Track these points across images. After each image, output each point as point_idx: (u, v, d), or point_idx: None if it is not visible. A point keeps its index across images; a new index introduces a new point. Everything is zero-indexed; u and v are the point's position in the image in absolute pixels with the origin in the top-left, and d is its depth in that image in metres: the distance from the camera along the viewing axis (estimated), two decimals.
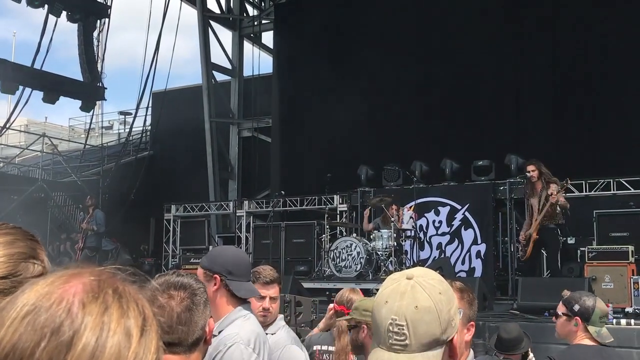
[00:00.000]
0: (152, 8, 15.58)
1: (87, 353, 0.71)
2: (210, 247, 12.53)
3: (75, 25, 12.77)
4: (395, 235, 9.97)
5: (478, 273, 10.76)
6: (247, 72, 18.02)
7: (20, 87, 12.01)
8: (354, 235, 10.61)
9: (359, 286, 9.04)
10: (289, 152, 15.74)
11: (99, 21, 13.48)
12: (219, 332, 2.40)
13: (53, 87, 12.15)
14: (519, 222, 9.99)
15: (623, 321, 7.03)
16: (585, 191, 10.63)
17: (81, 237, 12.47)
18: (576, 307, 3.16)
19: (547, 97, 12.80)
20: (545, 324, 6.49)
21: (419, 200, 10.80)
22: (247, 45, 18.49)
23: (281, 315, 3.24)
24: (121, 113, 27.66)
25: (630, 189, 10.32)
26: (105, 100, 14.71)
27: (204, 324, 1.78)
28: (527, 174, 8.79)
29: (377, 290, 1.32)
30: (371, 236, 10.22)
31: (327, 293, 9.96)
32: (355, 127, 14.11)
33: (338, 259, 10.13)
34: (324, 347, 3.66)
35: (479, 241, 10.99)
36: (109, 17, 13.95)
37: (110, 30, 14.50)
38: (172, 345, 1.70)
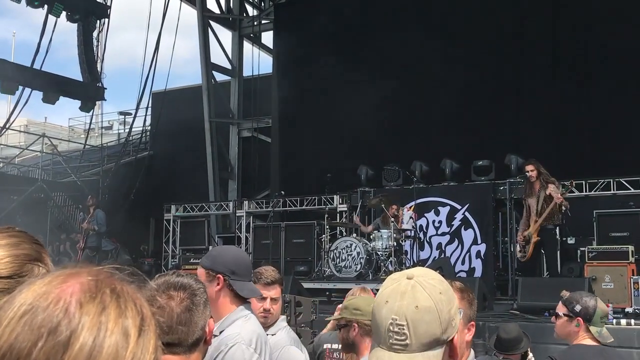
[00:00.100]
0: (152, 8, 15.58)
1: (84, 353, 0.71)
2: (210, 247, 12.53)
3: (75, 25, 12.77)
4: (395, 235, 9.97)
5: (478, 273, 10.76)
6: (247, 72, 18.04)
7: (20, 87, 12.01)
8: (354, 235, 10.62)
9: (359, 286, 9.06)
10: (288, 152, 15.74)
11: (98, 21, 13.48)
12: (220, 332, 2.40)
13: (53, 87, 12.15)
14: (519, 222, 9.99)
15: (623, 321, 7.03)
16: (585, 191, 10.63)
17: (82, 237, 12.47)
18: (577, 308, 3.16)
19: (547, 97, 12.80)
20: (545, 324, 6.49)
21: (418, 201, 10.80)
22: (247, 46, 18.50)
23: (283, 317, 3.24)
24: (121, 113, 27.67)
25: (630, 189, 10.33)
26: (105, 100, 14.74)
27: (203, 324, 1.78)
28: (527, 173, 8.82)
29: (377, 290, 1.32)
30: (371, 236, 10.22)
31: (327, 293, 9.98)
32: (355, 127, 14.10)
33: (338, 259, 10.13)
34: (334, 346, 3.66)
35: (479, 241, 10.99)
36: (108, 17, 13.96)
37: (110, 30, 14.53)
38: (172, 345, 1.70)
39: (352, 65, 14.04)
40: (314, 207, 12.86)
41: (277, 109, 16.32)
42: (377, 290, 1.30)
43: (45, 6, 11.94)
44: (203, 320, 1.78)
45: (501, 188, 10.74)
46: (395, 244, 9.95)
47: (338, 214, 12.62)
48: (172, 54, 18.65)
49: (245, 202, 14.52)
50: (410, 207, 10.33)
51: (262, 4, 18.66)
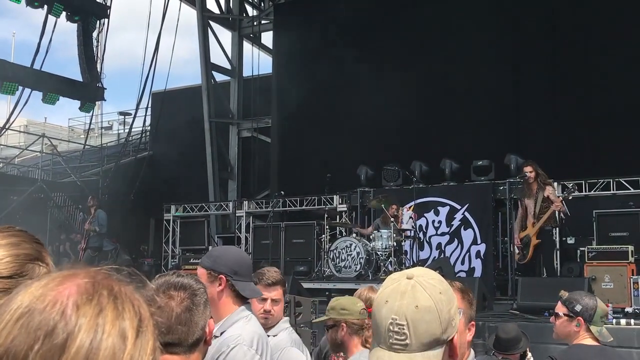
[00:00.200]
0: (152, 8, 15.56)
1: (81, 355, 0.70)
2: (210, 248, 12.52)
3: (75, 26, 12.76)
4: (395, 235, 9.97)
5: (478, 273, 10.76)
6: (246, 72, 18.04)
7: (20, 88, 12.00)
8: (354, 235, 10.61)
9: (359, 286, 9.06)
10: (288, 152, 15.74)
11: (98, 21, 13.47)
12: (221, 333, 2.40)
13: (52, 87, 12.14)
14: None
15: (623, 321, 7.03)
16: (585, 191, 10.63)
17: (84, 238, 12.47)
18: (578, 307, 3.15)
19: (547, 96, 12.80)
20: (544, 324, 6.49)
21: (418, 201, 10.80)
22: (247, 46, 18.50)
23: (286, 318, 3.22)
24: (121, 113, 27.66)
25: (630, 189, 10.33)
26: (105, 100, 14.76)
27: (204, 325, 1.78)
28: (525, 174, 8.83)
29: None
30: (371, 236, 10.22)
31: (327, 293, 9.96)
32: (355, 127, 14.11)
33: (338, 259, 10.13)
34: None
35: (479, 241, 10.99)
36: (108, 18, 13.95)
37: (109, 31, 14.52)
38: (172, 345, 1.70)
39: (351, 65, 14.03)
40: (314, 207, 12.86)
41: (276, 109, 16.32)
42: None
43: (45, 6, 11.93)
44: (203, 320, 1.78)
45: (501, 188, 10.73)
46: (395, 244, 9.95)
47: (338, 214, 12.62)
48: (172, 54, 18.68)
49: (245, 202, 14.52)
50: (410, 207, 10.33)
51: (262, 4, 18.66)
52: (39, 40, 12.67)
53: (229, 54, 18.24)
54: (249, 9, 18.81)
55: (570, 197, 8.90)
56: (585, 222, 10.10)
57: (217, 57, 17.84)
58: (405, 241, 10.39)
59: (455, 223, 11.22)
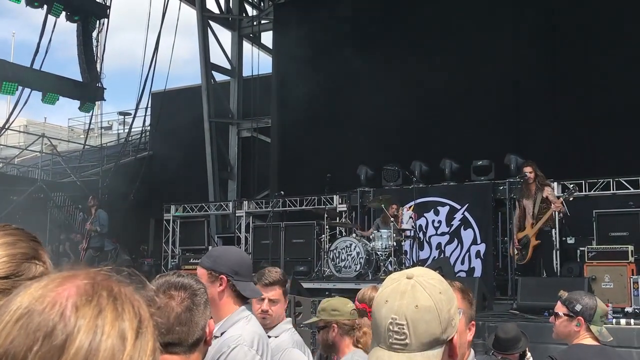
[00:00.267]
0: (152, 8, 15.55)
1: (80, 356, 0.70)
2: (210, 248, 12.52)
3: (75, 26, 12.75)
4: (394, 235, 9.97)
5: (478, 273, 10.76)
6: (246, 72, 18.04)
7: (20, 88, 11.99)
8: (354, 235, 10.61)
9: (359, 286, 9.06)
10: (288, 152, 15.74)
11: (98, 21, 13.47)
12: (221, 334, 2.40)
13: (52, 87, 12.13)
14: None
15: (623, 321, 7.03)
16: (585, 191, 10.63)
17: (85, 238, 12.49)
18: (578, 307, 3.15)
19: (546, 96, 12.81)
20: (544, 323, 6.49)
21: (418, 200, 10.80)
22: (247, 46, 18.50)
23: (289, 319, 3.19)
24: (120, 113, 27.67)
25: (629, 189, 10.33)
26: (105, 100, 14.71)
27: (204, 325, 1.78)
28: (525, 175, 8.84)
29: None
30: (371, 236, 10.22)
31: (327, 293, 9.96)
32: (355, 127, 14.11)
33: (338, 259, 10.13)
34: None
35: (479, 241, 10.99)
36: (108, 17, 13.94)
37: (109, 31, 14.50)
38: (172, 345, 1.70)
39: (351, 65, 14.03)
40: (314, 207, 12.86)
41: (276, 109, 16.32)
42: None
43: (45, 6, 11.93)
44: (203, 320, 1.78)
45: (501, 188, 10.73)
46: (394, 243, 9.95)
47: (338, 214, 12.62)
48: (172, 54, 18.65)
49: (245, 202, 14.52)
50: (409, 207, 10.34)
51: (262, 4, 18.67)
52: (39, 40, 12.67)
53: (229, 54, 18.24)
54: (248, 8, 18.81)
55: (572, 198, 8.91)
56: (585, 222, 10.10)
57: (217, 57, 17.86)
58: (405, 241, 10.39)
59: (455, 223, 11.22)
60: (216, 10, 18.09)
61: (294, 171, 15.21)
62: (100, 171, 17.31)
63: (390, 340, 1.20)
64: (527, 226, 8.89)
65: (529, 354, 4.68)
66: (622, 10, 12.01)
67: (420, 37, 13.97)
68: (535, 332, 6.14)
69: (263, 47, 18.43)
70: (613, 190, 10.50)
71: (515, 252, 9.01)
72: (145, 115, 18.17)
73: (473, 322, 2.08)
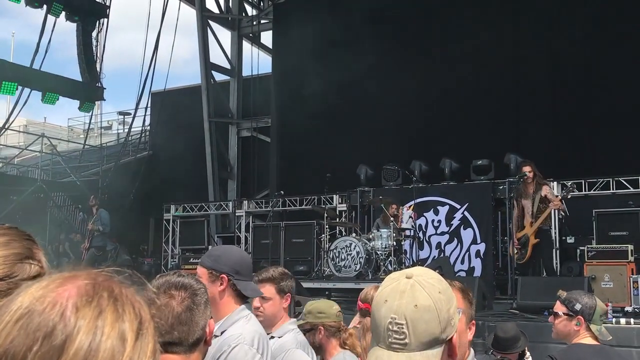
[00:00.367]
0: (151, 8, 15.56)
1: (79, 357, 0.70)
2: (210, 247, 12.53)
3: (74, 25, 12.75)
4: (394, 234, 9.97)
5: (477, 272, 10.76)
6: (246, 72, 18.04)
7: (19, 88, 11.99)
8: (354, 234, 10.61)
9: (358, 286, 9.06)
10: (288, 152, 15.74)
11: (98, 21, 13.46)
12: (221, 333, 2.40)
13: (52, 87, 12.13)
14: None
15: (622, 320, 7.04)
16: (585, 190, 10.63)
17: (87, 238, 12.52)
18: (577, 306, 3.16)
19: (546, 96, 12.81)
20: (544, 323, 6.49)
21: (418, 200, 10.80)
22: (246, 45, 18.50)
23: (293, 320, 3.18)
24: (120, 113, 27.68)
25: (629, 188, 10.33)
26: (104, 100, 14.71)
27: (204, 324, 1.79)
28: (525, 174, 8.85)
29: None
30: (370, 236, 10.22)
31: (327, 293, 9.98)
32: (355, 127, 14.11)
33: (337, 259, 10.13)
34: None
35: (479, 240, 10.99)
36: (107, 17, 13.94)
37: (109, 30, 14.51)
38: (172, 345, 1.71)
39: (351, 65, 14.02)
40: (313, 206, 12.86)
41: (276, 109, 16.32)
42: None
43: (45, 6, 11.92)
44: (204, 320, 1.79)
45: (500, 187, 10.74)
46: (394, 243, 9.95)
47: (337, 214, 12.62)
48: (172, 54, 18.67)
49: (245, 202, 14.51)
50: (409, 207, 10.33)
51: (262, 4, 18.66)
52: (39, 40, 12.68)
53: (229, 54, 18.24)
54: (248, 8, 18.81)
55: (569, 196, 8.92)
56: (584, 221, 10.10)
57: (217, 57, 17.86)
58: (405, 240, 10.39)
59: (455, 222, 11.22)
60: (216, 10, 18.09)
61: (293, 171, 15.21)
62: (100, 171, 17.32)
63: (390, 339, 1.20)
64: (527, 225, 8.91)
65: (528, 354, 4.68)
66: (622, 10, 12.01)
67: (420, 36, 13.97)
68: (535, 331, 6.14)
69: (263, 47, 18.43)
70: (613, 189, 10.50)
71: (515, 251, 9.02)
72: (145, 115, 18.20)
73: (473, 322, 2.08)
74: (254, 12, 18.70)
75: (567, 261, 9.94)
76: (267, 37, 18.32)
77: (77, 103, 12.77)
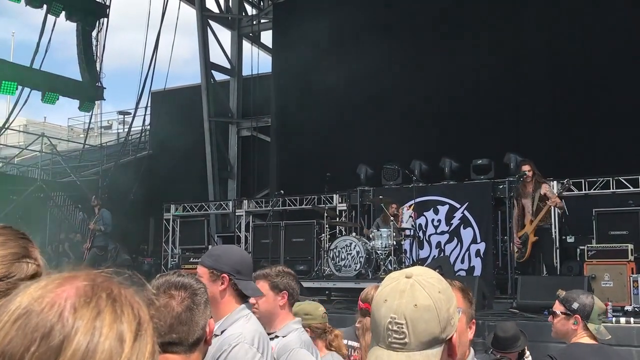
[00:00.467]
0: (151, 8, 15.56)
1: (77, 358, 0.70)
2: (210, 247, 12.53)
3: (74, 25, 12.75)
4: (394, 234, 9.97)
5: (477, 272, 10.75)
6: (246, 71, 18.04)
7: (19, 87, 11.99)
8: (354, 234, 10.61)
9: (358, 285, 9.06)
10: (288, 152, 15.74)
11: (97, 21, 13.46)
12: (222, 332, 2.40)
13: (52, 87, 12.13)
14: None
15: (622, 319, 7.04)
16: (585, 190, 10.63)
17: (89, 237, 12.53)
18: (575, 305, 3.16)
19: (546, 95, 12.81)
20: (544, 322, 6.49)
21: (418, 199, 10.80)
22: (246, 45, 18.50)
23: (298, 319, 3.15)
24: (120, 113, 27.70)
25: (629, 187, 10.32)
26: (104, 100, 14.75)
27: (204, 324, 1.79)
28: (524, 173, 8.86)
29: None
30: (371, 235, 10.22)
31: (327, 292, 9.99)
32: (355, 126, 14.11)
33: (337, 258, 10.13)
34: (344, 342, 3.68)
35: (479, 240, 10.99)
36: (107, 17, 13.94)
37: (109, 30, 14.51)
38: (172, 345, 1.71)
39: (350, 64, 14.04)
40: (313, 205, 12.86)
41: (276, 108, 16.32)
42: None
43: (45, 6, 11.92)
44: (204, 319, 1.79)
45: (500, 187, 10.74)
46: (394, 243, 9.95)
47: (337, 213, 12.62)
48: (171, 54, 18.66)
49: (245, 202, 14.51)
50: (409, 206, 10.33)
51: (261, 4, 18.66)
52: (38, 40, 12.68)
53: (229, 53, 18.24)
54: (248, 8, 18.81)
55: (564, 192, 8.91)
56: (584, 220, 10.10)
57: (217, 57, 17.86)
58: (405, 240, 10.39)
59: (455, 222, 11.21)
60: (216, 10, 18.09)
61: (293, 170, 15.21)
62: (100, 171, 17.32)
63: (390, 339, 1.20)
64: (527, 223, 8.91)
65: (527, 353, 4.69)
66: (622, 10, 12.01)
67: (419, 36, 13.96)
68: (535, 330, 6.14)
69: (263, 47, 18.43)
70: (613, 188, 10.49)
71: (516, 250, 9.03)
72: (145, 115, 18.20)
73: (473, 321, 2.09)
74: (254, 12, 18.71)
75: (567, 260, 9.93)
76: (267, 37, 18.34)
77: (77, 103, 12.77)
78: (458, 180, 11.44)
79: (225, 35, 18.57)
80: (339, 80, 14.33)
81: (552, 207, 9.02)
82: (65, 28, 13.46)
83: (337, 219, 12.42)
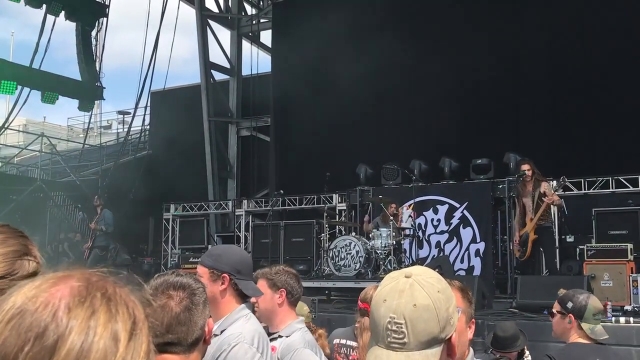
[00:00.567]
0: (151, 7, 15.56)
1: (71, 357, 0.70)
2: (209, 247, 12.53)
3: (74, 25, 12.75)
4: (394, 234, 9.97)
5: (477, 271, 10.75)
6: (245, 71, 18.04)
7: (19, 87, 11.99)
8: (353, 234, 10.61)
9: (358, 285, 9.06)
10: (287, 151, 15.74)
11: (97, 20, 13.46)
12: (221, 332, 2.40)
13: (51, 86, 12.13)
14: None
15: (622, 319, 7.04)
16: (584, 189, 10.63)
17: (90, 237, 12.54)
18: (569, 305, 3.18)
19: (546, 95, 12.81)
20: (544, 322, 6.50)
21: (417, 199, 10.80)
22: (246, 45, 18.50)
23: (301, 318, 3.16)
24: (120, 112, 27.70)
25: (629, 187, 10.33)
26: (104, 99, 14.75)
27: (203, 324, 1.78)
28: (524, 173, 8.86)
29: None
30: (370, 235, 10.22)
31: (327, 292, 9.99)
32: (354, 126, 14.11)
33: (337, 258, 10.13)
34: (342, 341, 3.69)
35: (478, 239, 10.99)
36: (107, 17, 13.93)
37: (108, 30, 14.50)
38: (171, 345, 1.70)
39: (350, 64, 14.03)
40: (313, 206, 12.86)
41: (275, 108, 16.32)
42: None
43: (44, 5, 11.92)
44: (202, 319, 1.78)
45: (500, 186, 10.74)
46: (394, 242, 9.95)
47: (337, 213, 12.62)
48: (171, 53, 18.62)
49: (245, 201, 14.51)
50: (409, 206, 10.33)
51: (261, 3, 18.66)
52: (38, 40, 12.67)
53: (228, 53, 18.24)
54: (248, 7, 18.81)
55: (562, 190, 8.90)
56: (584, 220, 10.11)
57: (216, 56, 17.86)
58: (404, 240, 10.39)
59: (455, 221, 11.22)
60: (215, 9, 18.09)
61: (293, 170, 15.21)
62: (99, 170, 17.32)
63: (389, 339, 1.20)
64: (528, 222, 8.92)
65: (527, 352, 4.69)
66: (622, 10, 12.00)
67: (419, 36, 13.96)
68: (535, 330, 6.14)
69: (262, 46, 18.43)
70: (612, 188, 10.50)
71: (517, 249, 9.03)
72: (144, 115, 18.16)
73: (473, 321, 2.08)
74: (254, 12, 18.70)
75: (567, 260, 9.94)
76: (266, 37, 18.34)
77: (76, 102, 12.77)
78: (458, 180, 11.45)
79: (224, 35, 18.59)
80: (339, 80, 14.32)
81: (552, 205, 9.02)
82: (64, 28, 13.47)
83: (337, 218, 12.42)
